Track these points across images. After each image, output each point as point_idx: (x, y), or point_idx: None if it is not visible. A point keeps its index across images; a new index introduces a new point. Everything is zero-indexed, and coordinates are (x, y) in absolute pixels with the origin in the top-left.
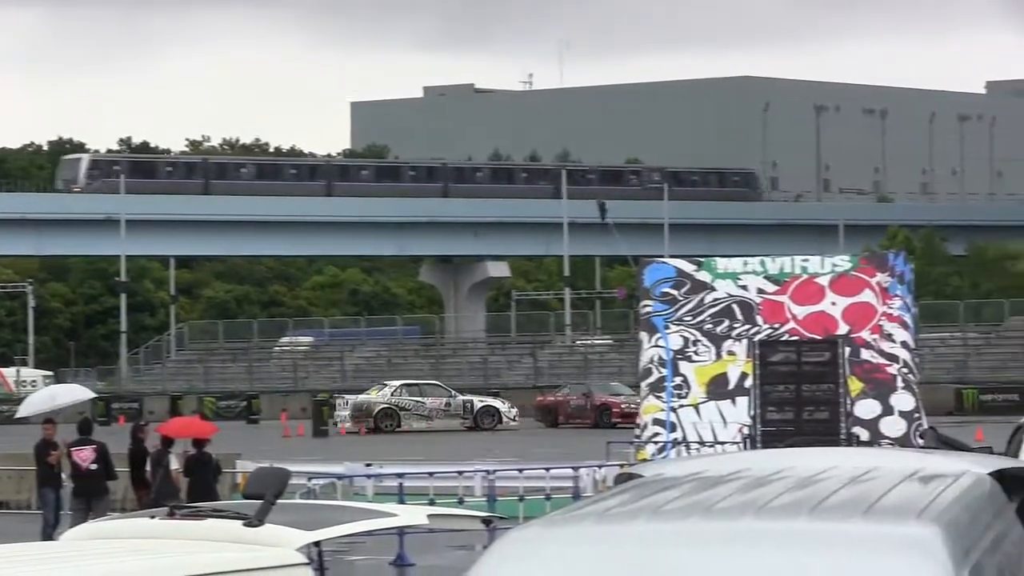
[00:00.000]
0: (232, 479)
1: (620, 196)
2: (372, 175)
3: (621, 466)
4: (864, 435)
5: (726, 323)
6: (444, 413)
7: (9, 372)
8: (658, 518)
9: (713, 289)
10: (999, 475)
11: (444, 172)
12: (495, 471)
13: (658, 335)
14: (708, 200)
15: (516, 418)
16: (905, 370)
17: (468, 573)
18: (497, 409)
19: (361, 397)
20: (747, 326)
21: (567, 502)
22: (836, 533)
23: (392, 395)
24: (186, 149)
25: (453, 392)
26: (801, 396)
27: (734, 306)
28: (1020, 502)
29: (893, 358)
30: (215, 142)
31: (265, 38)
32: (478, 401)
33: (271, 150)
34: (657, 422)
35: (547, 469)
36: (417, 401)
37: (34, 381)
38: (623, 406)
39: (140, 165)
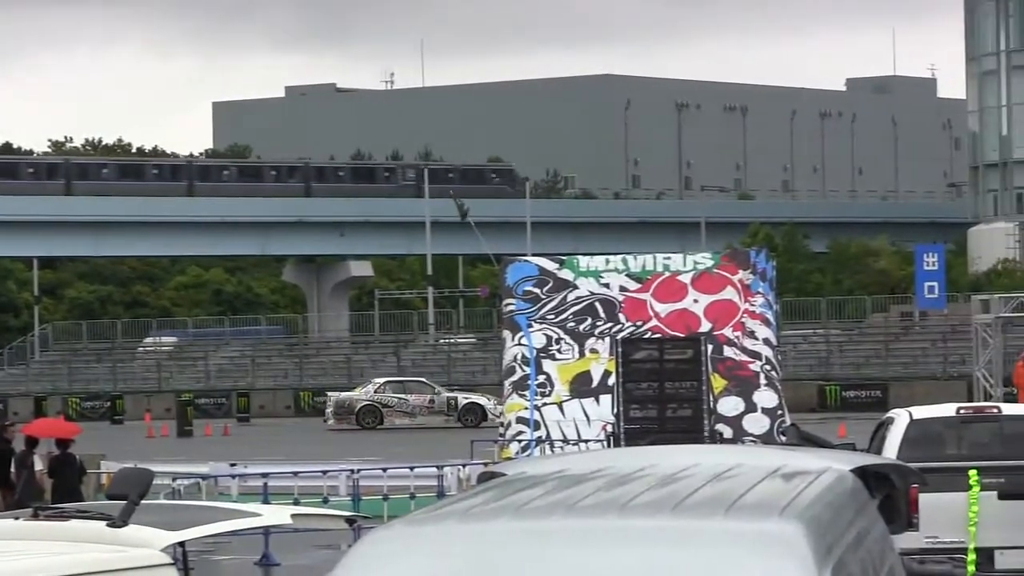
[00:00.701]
0: (96, 480)
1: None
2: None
3: (485, 464)
4: (727, 432)
5: (589, 321)
6: (428, 410)
7: None
8: (520, 516)
9: (575, 287)
10: (861, 471)
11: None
12: (359, 471)
13: (521, 333)
14: (468, 197)
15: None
16: (768, 367)
17: (330, 573)
18: (481, 406)
19: (344, 394)
20: (610, 324)
21: (432, 501)
22: (698, 530)
23: (375, 392)
24: (49, 150)
25: (437, 389)
26: (664, 393)
27: (597, 304)
28: (882, 498)
29: (756, 355)
30: (78, 143)
31: (128, 38)
32: (462, 398)
33: (134, 151)
34: (521, 420)
35: (411, 468)
36: (400, 398)
37: None
38: None
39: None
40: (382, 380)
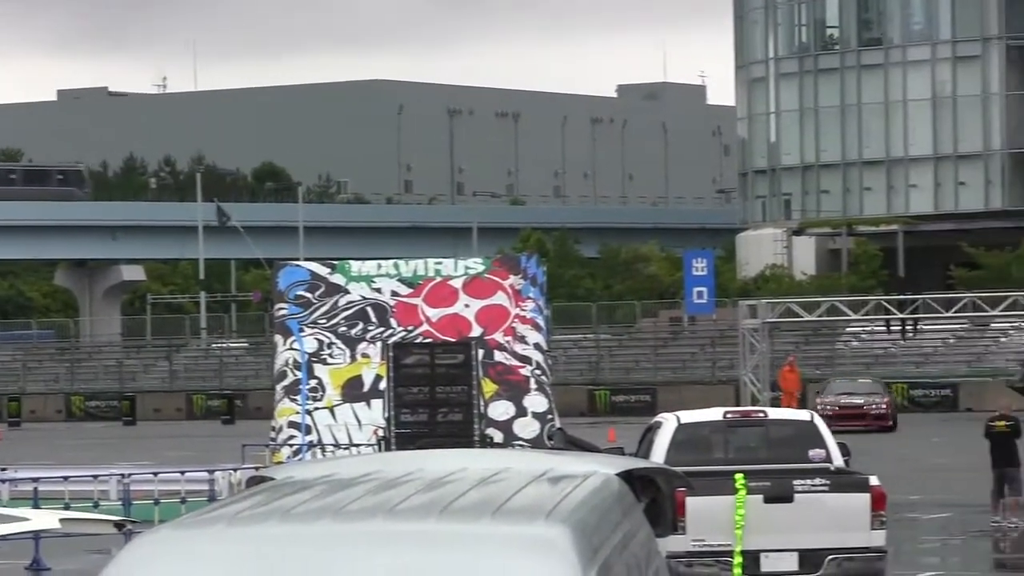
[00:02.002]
0: None
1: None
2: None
3: (256, 469)
4: (498, 436)
5: (361, 326)
6: None
7: None
8: (289, 520)
9: (347, 292)
10: (627, 475)
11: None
12: (130, 475)
13: (293, 338)
14: (32, 200)
15: None
16: (538, 372)
17: None
18: None
19: None
20: (381, 329)
21: (203, 505)
22: (466, 534)
23: None
24: None
25: None
26: (435, 398)
27: (368, 309)
28: (648, 502)
29: (526, 360)
30: None
31: None
32: None
33: None
34: (292, 425)
35: (182, 472)
36: None
37: None
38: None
39: None
40: None
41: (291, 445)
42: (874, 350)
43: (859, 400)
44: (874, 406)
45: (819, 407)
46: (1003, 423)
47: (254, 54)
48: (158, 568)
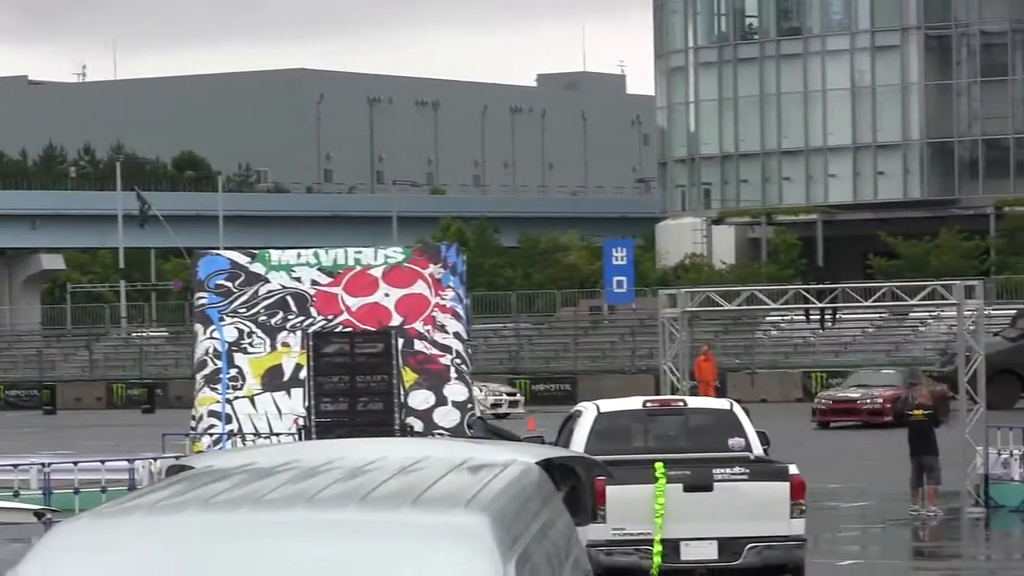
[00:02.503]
0: None
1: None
2: None
3: (176, 458)
4: (418, 426)
5: (280, 315)
6: None
7: None
8: (208, 509)
9: (267, 281)
10: (547, 464)
11: None
12: (50, 464)
13: (213, 327)
14: None
15: (520, 405)
16: (458, 361)
17: (16, 567)
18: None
19: None
20: (301, 318)
21: (123, 494)
22: (385, 522)
23: None
24: None
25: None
26: (355, 387)
27: (288, 298)
28: (568, 490)
29: (446, 349)
30: None
31: None
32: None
33: None
34: (213, 414)
35: (102, 462)
36: None
37: None
38: None
39: None
40: None
41: (211, 434)
42: (793, 339)
43: (855, 394)
44: (869, 400)
45: (818, 402)
46: (921, 412)
47: (174, 43)
48: (77, 557)
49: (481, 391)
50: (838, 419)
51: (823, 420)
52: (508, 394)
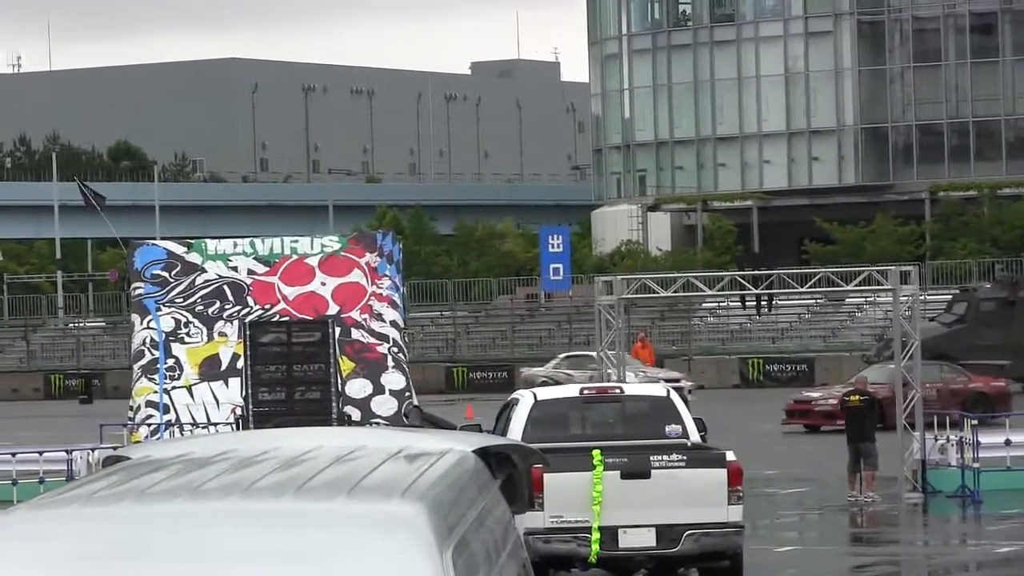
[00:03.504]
0: None
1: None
2: None
3: (114, 448)
4: (356, 414)
5: (217, 304)
6: None
7: None
8: (144, 500)
9: (204, 271)
10: (483, 452)
11: None
12: None
13: (150, 317)
14: None
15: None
16: (395, 349)
17: None
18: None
19: (529, 371)
20: (238, 307)
21: (61, 485)
22: (321, 512)
23: (553, 367)
24: None
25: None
26: (292, 376)
27: (225, 287)
28: (504, 478)
29: (383, 337)
30: None
31: None
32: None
33: None
34: (150, 404)
35: (40, 453)
36: (567, 374)
37: None
38: None
39: None
40: (562, 356)
41: (149, 424)
42: (729, 325)
43: (817, 393)
44: (822, 402)
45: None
46: (858, 398)
47: (109, 33)
48: (13, 547)
49: (637, 376)
50: (798, 421)
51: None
52: (671, 380)
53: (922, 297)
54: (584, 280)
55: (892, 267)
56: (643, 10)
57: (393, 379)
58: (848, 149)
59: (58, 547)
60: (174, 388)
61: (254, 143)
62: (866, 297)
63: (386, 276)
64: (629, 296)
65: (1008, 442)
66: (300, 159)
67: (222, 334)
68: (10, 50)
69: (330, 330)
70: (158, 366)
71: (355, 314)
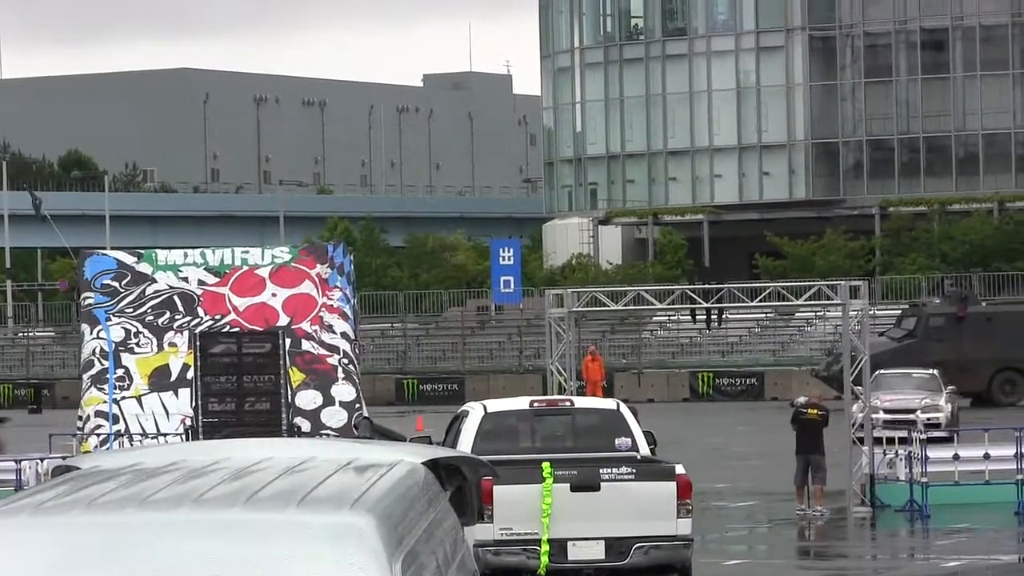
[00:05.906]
0: None
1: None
2: None
3: (63, 458)
4: (306, 426)
5: (168, 315)
6: None
7: None
8: (93, 509)
9: (154, 281)
10: (433, 464)
11: None
12: None
13: (100, 327)
14: None
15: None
16: (346, 361)
17: None
18: None
19: None
20: (188, 318)
21: (9, 495)
22: (271, 523)
23: None
24: None
25: None
26: (243, 387)
27: (175, 298)
28: (454, 490)
29: (334, 349)
30: None
31: None
32: None
33: None
34: (100, 414)
35: None
36: None
37: None
38: None
39: None
40: None
41: (98, 434)
42: (680, 339)
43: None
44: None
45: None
46: (814, 411)
47: (60, 42)
48: None
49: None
50: None
51: None
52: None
53: (871, 312)
54: (535, 293)
55: (842, 282)
56: (595, 24)
57: (343, 391)
58: (799, 164)
59: (7, 557)
60: (124, 398)
61: (205, 153)
62: (816, 312)
63: (337, 287)
64: (580, 309)
65: (956, 456)
66: (251, 170)
67: (172, 344)
68: None
69: (280, 341)
70: (108, 376)
71: (305, 325)
